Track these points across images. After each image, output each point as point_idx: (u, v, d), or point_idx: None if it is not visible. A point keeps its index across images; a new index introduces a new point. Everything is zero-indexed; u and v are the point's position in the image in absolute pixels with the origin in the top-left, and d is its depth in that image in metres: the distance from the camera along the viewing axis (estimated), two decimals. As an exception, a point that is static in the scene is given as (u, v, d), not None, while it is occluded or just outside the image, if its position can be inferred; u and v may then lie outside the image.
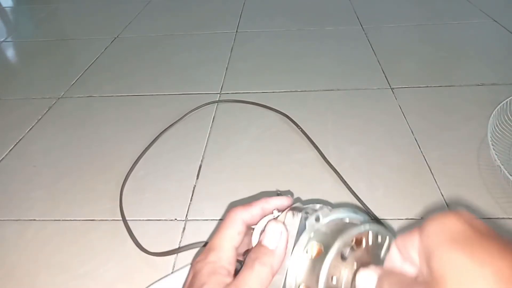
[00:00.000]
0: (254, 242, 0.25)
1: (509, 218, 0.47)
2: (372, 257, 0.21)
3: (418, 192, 0.52)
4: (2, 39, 1.11)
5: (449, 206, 0.49)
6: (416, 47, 0.90)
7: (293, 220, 0.23)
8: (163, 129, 0.66)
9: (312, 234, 0.21)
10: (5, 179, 0.59)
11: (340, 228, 0.21)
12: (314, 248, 0.21)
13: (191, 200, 0.53)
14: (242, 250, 0.27)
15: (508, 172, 0.47)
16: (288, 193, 0.53)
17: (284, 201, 0.27)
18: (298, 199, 0.51)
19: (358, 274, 0.20)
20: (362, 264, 0.20)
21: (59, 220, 0.52)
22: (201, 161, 0.60)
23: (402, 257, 0.19)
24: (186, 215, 0.51)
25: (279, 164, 0.58)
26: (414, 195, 0.51)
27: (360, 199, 0.51)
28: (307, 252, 0.21)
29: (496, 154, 0.50)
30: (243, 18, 1.11)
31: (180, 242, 0.47)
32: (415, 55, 0.86)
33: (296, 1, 1.20)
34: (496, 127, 0.57)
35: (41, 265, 0.46)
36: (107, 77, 0.85)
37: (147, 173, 0.58)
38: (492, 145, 0.52)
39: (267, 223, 0.24)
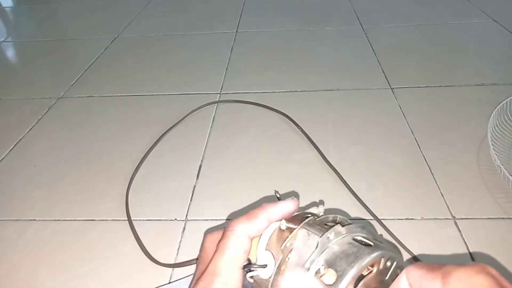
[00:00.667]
0: (260, 253, 0.22)
1: (509, 218, 0.47)
2: (378, 281, 0.21)
3: (418, 192, 0.52)
4: (2, 39, 1.11)
5: (455, 218, 0.49)
6: (416, 47, 0.90)
7: (308, 240, 0.21)
8: (164, 131, 0.66)
9: (325, 257, 0.20)
10: (5, 179, 0.59)
11: (354, 252, 0.20)
12: (329, 274, 0.19)
13: (191, 200, 0.53)
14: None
15: (508, 172, 0.47)
16: (292, 194, 0.53)
17: (290, 206, 0.24)
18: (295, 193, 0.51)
19: None
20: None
21: (59, 220, 0.52)
22: (201, 161, 0.60)
23: None
24: (186, 215, 0.51)
25: (279, 164, 0.58)
26: (414, 195, 0.51)
27: (360, 199, 0.51)
28: (320, 276, 0.20)
29: (496, 154, 0.50)
30: (243, 18, 1.11)
31: (180, 242, 0.47)
32: (415, 55, 0.86)
33: (296, 1, 1.20)
34: (496, 127, 0.57)
35: (41, 265, 0.46)
36: (107, 77, 0.85)
37: (147, 173, 0.58)
38: (492, 145, 0.52)
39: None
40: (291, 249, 0.21)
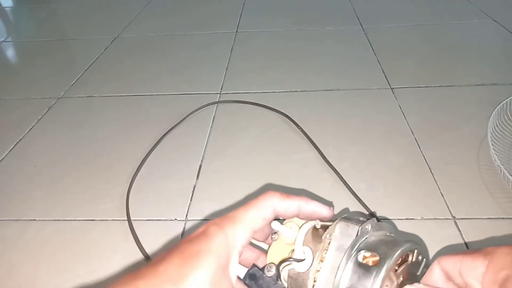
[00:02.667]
0: (297, 248, 0.23)
1: (509, 218, 0.47)
2: (410, 274, 0.21)
3: (418, 192, 0.52)
4: (2, 39, 1.11)
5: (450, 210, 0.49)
6: (416, 47, 0.90)
7: (347, 231, 0.21)
8: (164, 131, 0.66)
9: (365, 243, 0.21)
10: (5, 179, 0.59)
11: (392, 240, 0.21)
12: (371, 258, 0.20)
13: (191, 200, 0.53)
14: (260, 238, 0.26)
15: (508, 172, 0.47)
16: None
17: (324, 211, 0.24)
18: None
19: None
20: (404, 279, 0.20)
21: (59, 220, 0.52)
22: (201, 161, 0.60)
23: (446, 277, 0.19)
24: (186, 215, 0.51)
25: (279, 164, 0.58)
26: (414, 195, 0.51)
27: (360, 199, 0.51)
28: (362, 258, 0.20)
29: (496, 154, 0.50)
30: (243, 18, 1.11)
31: (180, 242, 0.47)
32: (415, 55, 0.86)
33: (296, 1, 1.20)
34: (496, 127, 0.57)
35: (41, 265, 0.46)
36: (107, 77, 0.85)
37: (147, 173, 0.58)
38: (492, 145, 0.52)
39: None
40: (330, 240, 0.22)
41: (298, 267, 0.22)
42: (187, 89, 0.79)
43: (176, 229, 0.49)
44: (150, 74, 0.85)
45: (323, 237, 0.22)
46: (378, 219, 0.46)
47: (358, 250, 0.20)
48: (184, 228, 0.49)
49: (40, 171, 0.60)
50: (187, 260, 0.19)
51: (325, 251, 0.21)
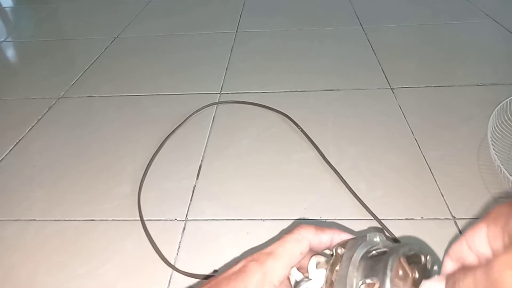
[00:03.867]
0: (311, 270, 0.23)
1: (509, 218, 0.47)
2: (423, 273, 0.21)
3: (418, 192, 0.52)
4: (2, 39, 1.11)
5: (448, 206, 0.49)
6: (416, 47, 0.90)
7: (357, 242, 0.22)
8: (164, 131, 0.66)
9: (362, 273, 0.20)
10: (5, 179, 0.59)
11: (384, 257, 0.21)
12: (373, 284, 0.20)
13: (191, 200, 0.53)
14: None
15: (508, 172, 0.47)
16: (295, 194, 0.53)
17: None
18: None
19: (423, 285, 0.19)
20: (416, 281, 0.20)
21: (59, 220, 0.52)
22: (201, 161, 0.60)
23: (461, 263, 0.19)
24: (186, 215, 0.51)
25: (279, 164, 0.58)
26: (414, 195, 0.51)
27: (360, 199, 0.51)
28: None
29: (496, 154, 0.50)
30: (243, 18, 1.11)
31: (180, 242, 0.47)
32: (415, 55, 0.86)
33: (296, 1, 1.20)
34: (496, 127, 0.57)
35: (41, 265, 0.46)
36: (107, 77, 0.85)
37: (147, 173, 0.58)
38: (492, 145, 0.52)
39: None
40: (342, 253, 0.22)
41: (312, 285, 0.22)
42: (187, 89, 0.79)
43: (176, 229, 0.49)
44: (150, 74, 0.85)
45: (333, 250, 0.22)
46: (397, 240, 0.46)
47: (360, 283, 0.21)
48: (184, 228, 0.49)
49: (40, 171, 0.60)
50: None
51: (339, 263, 0.22)
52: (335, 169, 0.55)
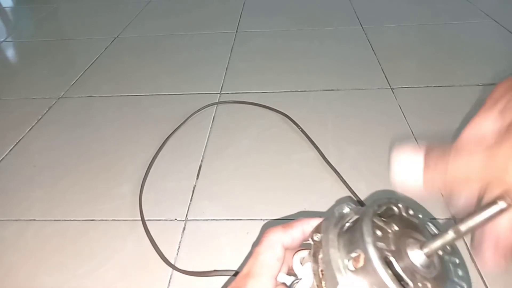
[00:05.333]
0: (296, 270, 0.22)
1: (509, 218, 0.47)
2: (410, 224, 0.20)
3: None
4: (2, 39, 1.11)
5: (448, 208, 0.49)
6: (416, 47, 0.90)
7: (330, 223, 0.21)
8: (164, 131, 0.66)
9: (345, 249, 0.19)
10: (5, 179, 0.59)
11: (359, 224, 0.19)
12: (358, 257, 0.19)
13: (191, 200, 0.53)
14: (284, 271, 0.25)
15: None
16: (294, 195, 0.53)
17: None
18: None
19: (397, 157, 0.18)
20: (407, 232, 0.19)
21: (59, 220, 0.52)
22: (201, 161, 0.60)
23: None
24: (186, 215, 0.51)
25: (279, 164, 0.58)
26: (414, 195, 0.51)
27: (360, 199, 0.51)
28: (354, 264, 0.19)
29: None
30: (243, 18, 1.11)
31: (180, 242, 0.47)
32: (415, 55, 0.86)
33: (296, 1, 1.20)
34: (496, 127, 0.56)
35: (41, 265, 0.46)
36: (107, 77, 0.85)
37: (148, 173, 0.58)
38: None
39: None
40: (318, 239, 0.21)
41: (303, 285, 0.21)
42: (187, 89, 0.79)
43: (176, 229, 0.49)
44: (150, 74, 0.85)
45: (310, 240, 0.21)
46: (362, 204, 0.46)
47: (345, 261, 0.19)
48: (184, 228, 0.49)
49: (40, 171, 0.60)
50: None
51: (320, 250, 0.21)
52: (335, 169, 0.55)
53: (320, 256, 0.20)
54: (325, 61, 0.86)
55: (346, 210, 0.21)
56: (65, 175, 0.59)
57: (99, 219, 0.51)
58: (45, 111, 0.75)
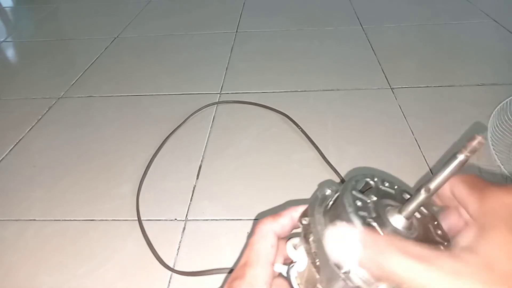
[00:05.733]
0: (291, 254, 0.23)
1: (509, 218, 0.47)
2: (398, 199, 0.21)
3: (418, 192, 0.52)
4: (2, 39, 1.11)
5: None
6: (416, 47, 0.90)
7: (315, 206, 0.22)
8: (164, 131, 0.66)
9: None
10: (5, 179, 0.59)
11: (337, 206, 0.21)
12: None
13: (191, 200, 0.53)
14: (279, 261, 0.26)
15: (508, 172, 0.47)
16: (293, 195, 0.53)
17: None
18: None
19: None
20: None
21: (59, 220, 0.52)
22: (201, 161, 0.60)
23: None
24: (186, 215, 0.51)
25: (279, 164, 0.58)
26: (414, 195, 0.51)
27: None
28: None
29: (496, 154, 0.50)
30: (243, 18, 1.11)
31: (180, 242, 0.47)
32: (415, 55, 0.86)
33: (296, 1, 1.20)
34: (496, 127, 0.57)
35: (41, 265, 0.46)
36: (107, 77, 0.85)
37: (147, 173, 0.58)
38: (492, 145, 0.52)
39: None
40: (306, 222, 0.22)
41: (298, 268, 0.22)
42: (187, 89, 0.79)
43: (176, 229, 0.49)
44: (150, 74, 0.85)
45: (299, 225, 0.23)
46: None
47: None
48: (184, 228, 0.49)
49: (40, 171, 0.60)
50: None
51: (310, 233, 0.22)
52: (335, 169, 0.55)
53: (311, 238, 0.21)
54: (325, 61, 0.86)
55: (328, 192, 0.22)
56: (65, 175, 0.59)
57: (99, 219, 0.51)
58: (45, 111, 0.75)
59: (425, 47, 0.89)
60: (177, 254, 0.46)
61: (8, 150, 0.65)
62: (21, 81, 0.87)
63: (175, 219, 0.51)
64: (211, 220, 0.50)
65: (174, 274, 0.44)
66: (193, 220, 0.50)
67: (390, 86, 0.75)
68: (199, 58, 0.91)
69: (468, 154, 0.18)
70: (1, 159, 0.63)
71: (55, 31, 1.13)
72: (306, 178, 0.55)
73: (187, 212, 0.51)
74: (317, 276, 0.21)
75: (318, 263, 0.20)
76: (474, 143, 0.18)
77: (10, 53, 1.05)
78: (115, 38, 1.04)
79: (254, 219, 0.49)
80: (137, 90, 0.79)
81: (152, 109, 0.73)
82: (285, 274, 0.24)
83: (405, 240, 0.17)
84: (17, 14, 1.36)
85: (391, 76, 0.78)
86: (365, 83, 0.76)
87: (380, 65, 0.82)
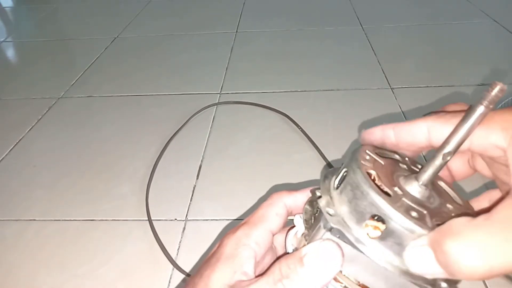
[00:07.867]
0: (296, 221, 0.22)
1: (509, 218, 0.47)
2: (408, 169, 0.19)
3: (418, 192, 0.52)
4: (2, 39, 1.11)
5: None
6: (416, 47, 0.90)
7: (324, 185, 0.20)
8: (164, 131, 0.66)
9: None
10: (5, 179, 0.59)
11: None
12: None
13: (191, 200, 0.53)
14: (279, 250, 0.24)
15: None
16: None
17: None
18: None
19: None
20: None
21: (59, 220, 0.52)
22: (201, 161, 0.60)
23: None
24: (186, 215, 0.51)
25: (279, 164, 0.58)
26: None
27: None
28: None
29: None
30: (243, 18, 1.11)
31: (180, 242, 0.47)
32: (415, 55, 0.86)
33: (296, 1, 1.20)
34: (496, 127, 0.56)
35: (41, 265, 0.46)
36: (107, 77, 0.85)
37: (147, 173, 0.58)
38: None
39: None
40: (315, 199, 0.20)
41: (298, 232, 0.21)
42: (187, 89, 0.79)
43: (176, 229, 0.49)
44: (150, 74, 0.85)
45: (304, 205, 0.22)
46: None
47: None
48: (184, 228, 0.49)
49: (40, 171, 0.60)
50: (203, 277, 0.20)
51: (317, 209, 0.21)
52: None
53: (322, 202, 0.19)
54: (325, 61, 0.86)
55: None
56: (65, 175, 0.59)
57: (99, 219, 0.51)
58: (45, 111, 0.75)
59: (425, 47, 0.89)
60: (177, 254, 0.46)
61: (8, 150, 0.65)
62: (21, 81, 0.87)
63: (175, 219, 0.51)
64: (211, 220, 0.50)
65: (175, 274, 0.44)
66: (193, 220, 0.50)
67: (390, 86, 0.75)
68: (199, 58, 0.91)
69: (489, 105, 0.15)
70: (1, 159, 0.63)
71: (55, 31, 1.13)
72: (306, 178, 0.55)
73: (187, 212, 0.51)
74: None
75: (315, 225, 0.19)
76: (495, 91, 0.15)
77: (10, 53, 1.06)
78: (115, 38, 1.04)
79: (254, 219, 0.49)
80: (137, 90, 0.79)
81: (152, 109, 0.73)
82: (289, 249, 0.23)
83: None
84: (17, 14, 1.36)
85: (391, 76, 0.78)
86: (365, 83, 0.76)
87: (380, 65, 0.82)
